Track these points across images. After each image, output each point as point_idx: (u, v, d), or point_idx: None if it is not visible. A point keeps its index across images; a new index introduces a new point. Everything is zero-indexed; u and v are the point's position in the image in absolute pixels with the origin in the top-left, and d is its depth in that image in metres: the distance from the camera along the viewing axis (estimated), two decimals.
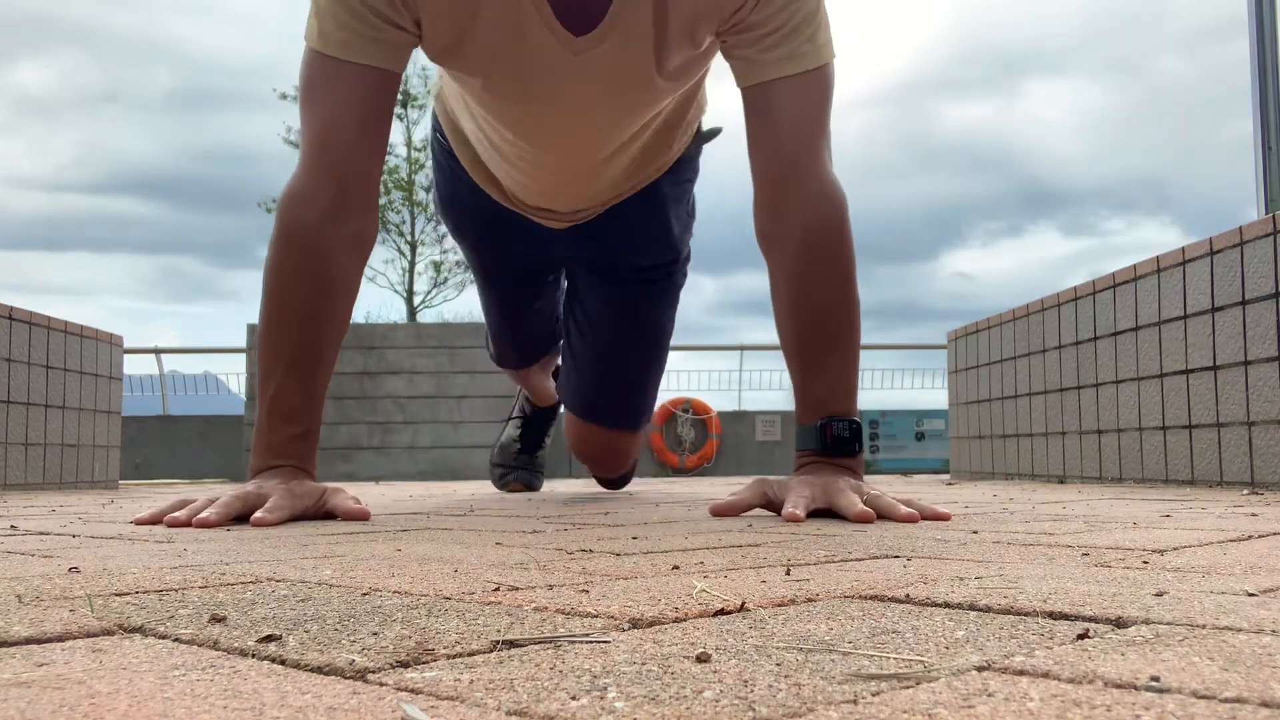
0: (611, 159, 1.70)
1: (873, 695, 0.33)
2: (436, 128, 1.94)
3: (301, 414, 1.32)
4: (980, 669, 0.36)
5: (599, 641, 0.42)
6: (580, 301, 2.10)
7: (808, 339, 1.35)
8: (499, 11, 1.33)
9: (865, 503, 1.17)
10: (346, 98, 1.32)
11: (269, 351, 1.32)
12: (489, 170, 1.84)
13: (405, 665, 0.38)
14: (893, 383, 9.17)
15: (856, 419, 1.33)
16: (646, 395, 2.15)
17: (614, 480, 2.51)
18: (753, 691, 0.33)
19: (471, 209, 1.94)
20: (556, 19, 1.34)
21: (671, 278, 2.04)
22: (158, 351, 8.76)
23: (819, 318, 1.35)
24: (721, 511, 1.27)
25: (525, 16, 1.33)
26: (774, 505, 1.26)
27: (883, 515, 1.16)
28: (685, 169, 1.94)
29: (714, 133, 1.91)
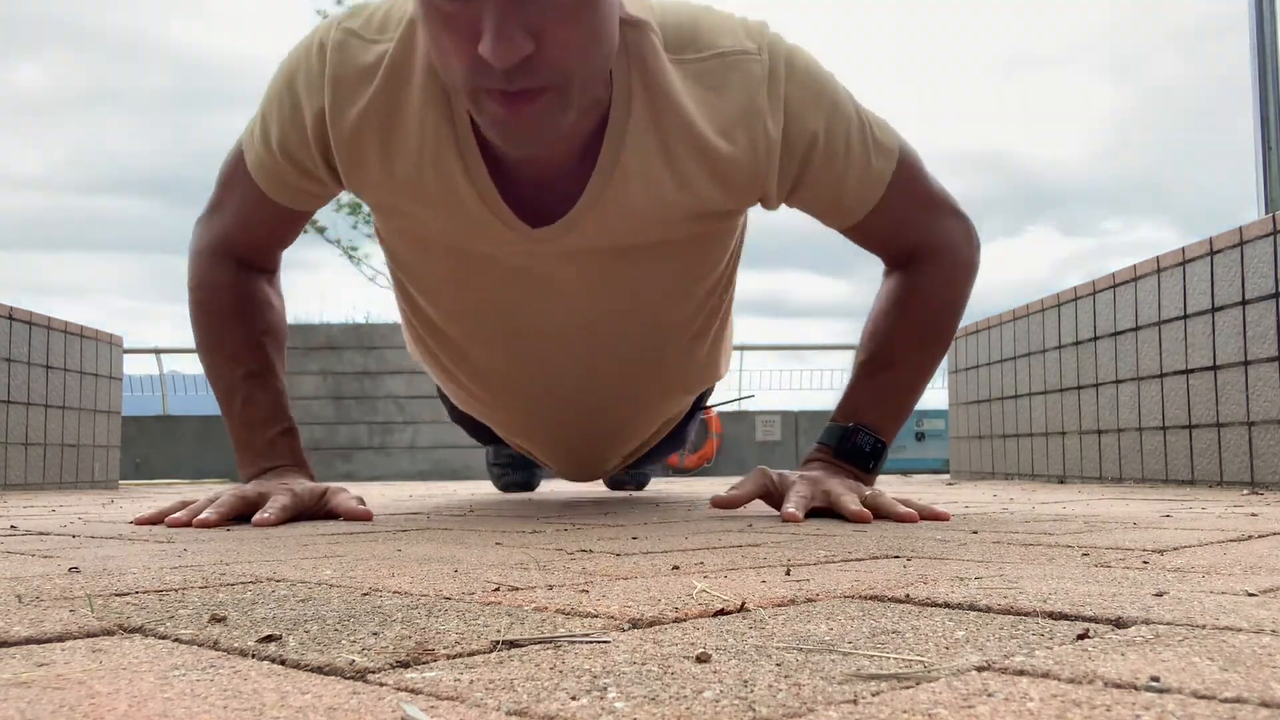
0: (621, 407, 1.51)
1: (873, 695, 0.33)
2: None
3: (277, 414, 1.33)
4: (980, 669, 0.36)
5: (599, 641, 0.42)
6: None
7: (886, 353, 1.31)
8: (435, 193, 1.15)
9: (864, 502, 1.17)
10: (255, 212, 1.29)
11: (222, 376, 1.34)
12: (493, 427, 1.71)
13: (405, 665, 0.38)
14: None
15: (886, 441, 1.30)
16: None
17: (630, 481, 2.53)
18: (753, 691, 0.33)
19: (484, 430, 1.83)
20: (508, 203, 1.15)
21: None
22: (158, 351, 8.75)
23: (910, 339, 1.31)
24: (722, 503, 1.27)
25: (468, 205, 1.16)
26: (773, 498, 1.26)
27: (881, 515, 1.16)
28: (706, 398, 1.80)
29: (745, 398, 1.78)
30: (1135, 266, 2.70)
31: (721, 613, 0.50)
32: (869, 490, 1.22)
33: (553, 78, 0.98)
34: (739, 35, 1.14)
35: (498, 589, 0.60)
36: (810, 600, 0.54)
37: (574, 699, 0.33)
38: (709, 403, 1.82)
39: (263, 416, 1.32)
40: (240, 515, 1.19)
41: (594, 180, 1.13)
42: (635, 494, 2.35)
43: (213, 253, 1.33)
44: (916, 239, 1.30)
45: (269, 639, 0.43)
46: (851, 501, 1.16)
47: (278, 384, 1.35)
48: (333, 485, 1.31)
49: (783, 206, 1.25)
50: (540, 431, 1.60)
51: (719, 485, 3.04)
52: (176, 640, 0.44)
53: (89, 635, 0.45)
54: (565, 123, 1.03)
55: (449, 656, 0.40)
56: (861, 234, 1.29)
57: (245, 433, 1.32)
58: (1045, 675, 0.35)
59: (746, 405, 8.32)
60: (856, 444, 1.29)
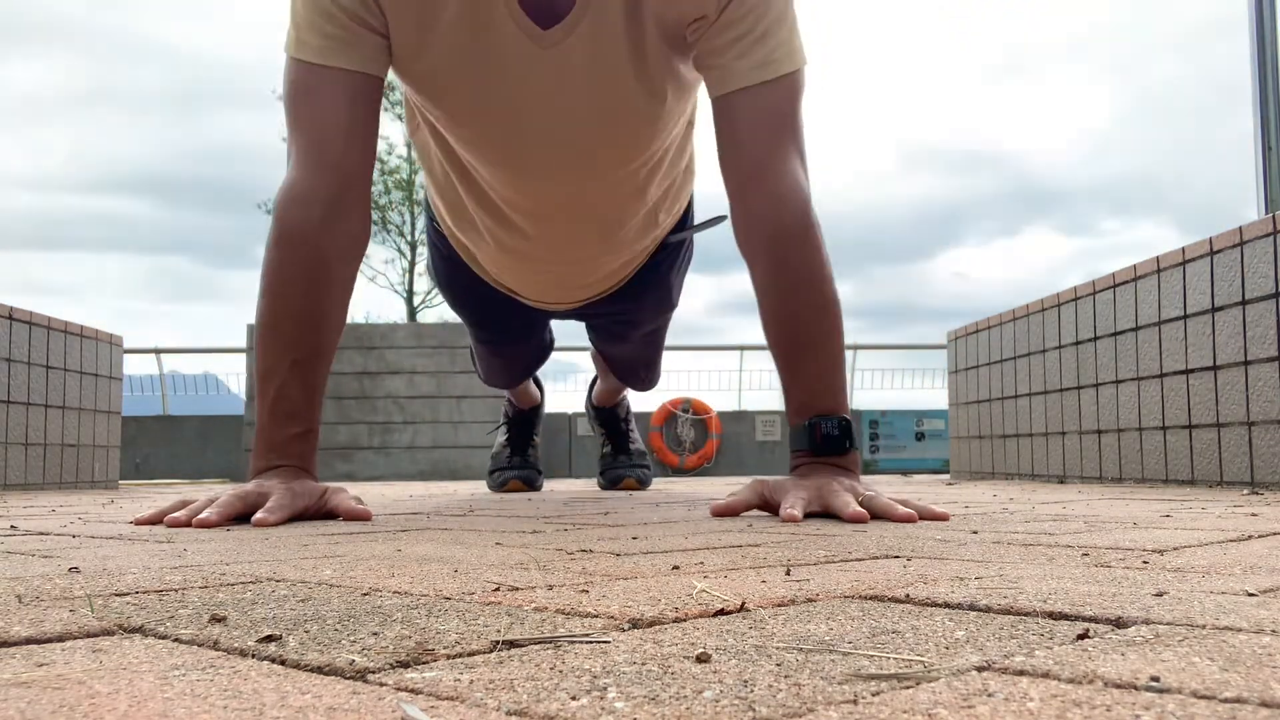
0: (605, 224, 1.67)
1: (873, 695, 0.33)
2: (430, 215, 1.93)
3: (303, 413, 1.32)
4: (980, 669, 0.36)
5: (599, 641, 0.42)
6: (585, 319, 2.15)
7: (787, 342, 1.35)
8: (463, 5, 1.32)
9: (861, 503, 1.17)
10: (333, 104, 1.33)
11: (271, 351, 1.32)
12: (485, 266, 1.87)
13: (405, 665, 0.38)
14: (892, 383, 9.17)
15: (845, 416, 1.33)
16: (661, 342, 2.32)
17: (638, 476, 2.58)
18: (753, 691, 0.33)
19: (472, 291, 1.97)
20: (523, 11, 1.33)
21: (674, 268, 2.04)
22: (158, 351, 8.75)
23: (795, 322, 1.35)
24: (722, 512, 1.27)
25: (490, 10, 1.32)
26: (770, 506, 1.26)
27: (880, 515, 1.16)
28: (682, 250, 1.96)
29: (717, 220, 1.89)
30: (1135, 266, 2.70)
31: (721, 613, 0.50)
32: (865, 490, 1.22)
33: None
34: None
35: (498, 589, 0.60)
36: (810, 600, 0.54)
37: (574, 699, 0.33)
38: (679, 235, 1.93)
39: (288, 410, 1.31)
40: (240, 515, 1.19)
41: None
42: (635, 494, 2.36)
43: (296, 195, 1.33)
44: (771, 164, 1.35)
45: (269, 639, 0.43)
46: (849, 503, 1.16)
47: (317, 378, 1.34)
48: (332, 485, 1.31)
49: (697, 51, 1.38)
50: (531, 247, 1.70)
51: (719, 485, 3.04)
52: (176, 640, 0.44)
53: (89, 635, 0.45)
54: None
55: (449, 656, 0.40)
56: (730, 121, 1.36)
57: (268, 421, 1.31)
58: (1045, 675, 0.35)
59: (747, 406, 8.33)
60: (824, 434, 1.31)
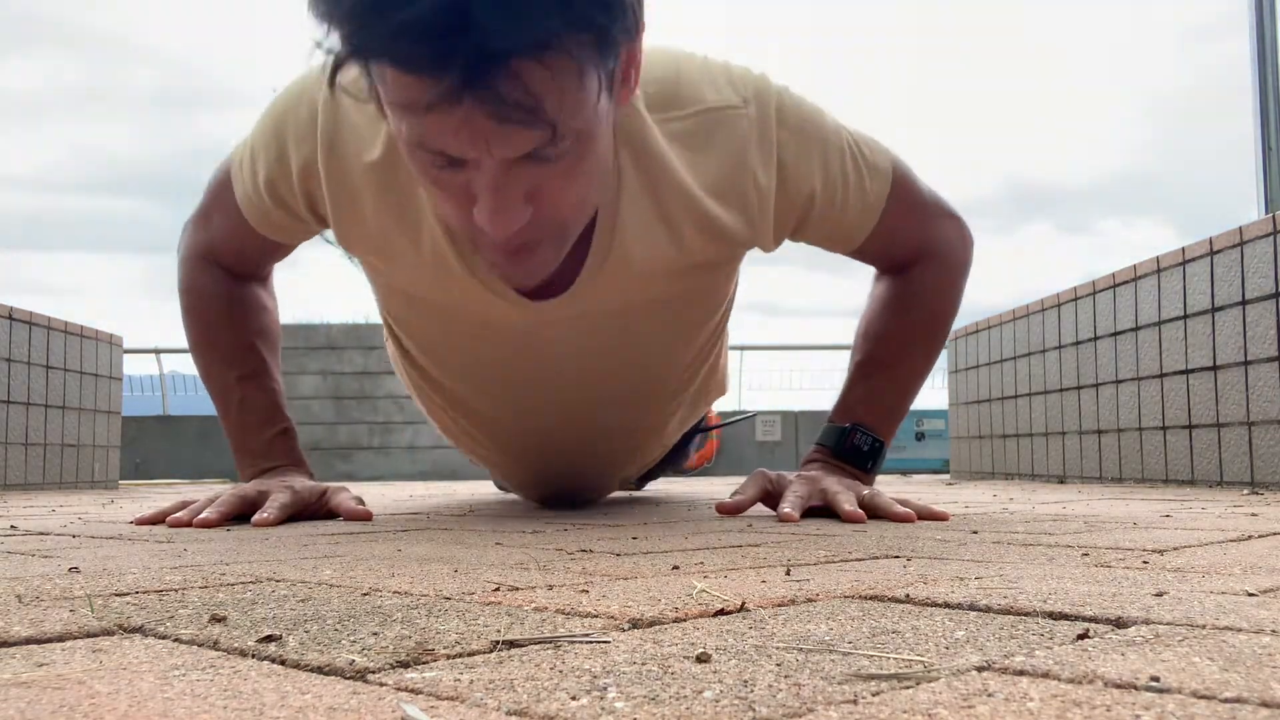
0: (620, 451, 1.53)
1: (873, 695, 0.33)
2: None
3: (274, 415, 1.33)
4: (980, 669, 0.36)
5: (599, 641, 0.42)
6: None
7: (875, 353, 1.31)
8: (429, 258, 1.11)
9: (862, 502, 1.17)
10: (242, 237, 1.25)
11: (217, 378, 1.33)
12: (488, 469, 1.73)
13: (405, 665, 0.38)
14: None
15: (884, 440, 1.30)
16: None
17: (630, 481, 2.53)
18: (753, 691, 0.33)
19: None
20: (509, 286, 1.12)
21: None
22: (158, 351, 8.75)
23: (896, 341, 1.31)
24: (728, 510, 1.27)
25: (464, 277, 1.12)
26: (772, 498, 1.26)
27: (879, 515, 1.16)
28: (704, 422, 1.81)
29: (746, 418, 1.77)
30: (1135, 266, 2.70)
31: (721, 613, 0.50)
32: (867, 490, 1.22)
33: (551, 230, 0.97)
34: (722, 87, 1.10)
35: (498, 589, 0.60)
36: (810, 600, 0.54)
37: (574, 699, 0.33)
38: (707, 426, 1.83)
39: (259, 419, 1.32)
40: (240, 515, 1.19)
41: (592, 257, 1.10)
42: (635, 494, 2.36)
43: (200, 258, 1.32)
44: (914, 246, 1.30)
45: (269, 639, 0.43)
46: (847, 501, 1.16)
47: (273, 385, 1.34)
48: (332, 485, 1.31)
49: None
50: (533, 472, 1.59)
51: (719, 485, 3.04)
52: (176, 640, 0.44)
53: (89, 635, 0.45)
54: (563, 254, 1.03)
55: (449, 656, 0.40)
56: (864, 255, 1.29)
57: (242, 436, 1.32)
58: (1045, 675, 0.35)
59: (747, 406, 8.32)
60: (854, 444, 1.29)
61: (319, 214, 1.16)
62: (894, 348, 1.32)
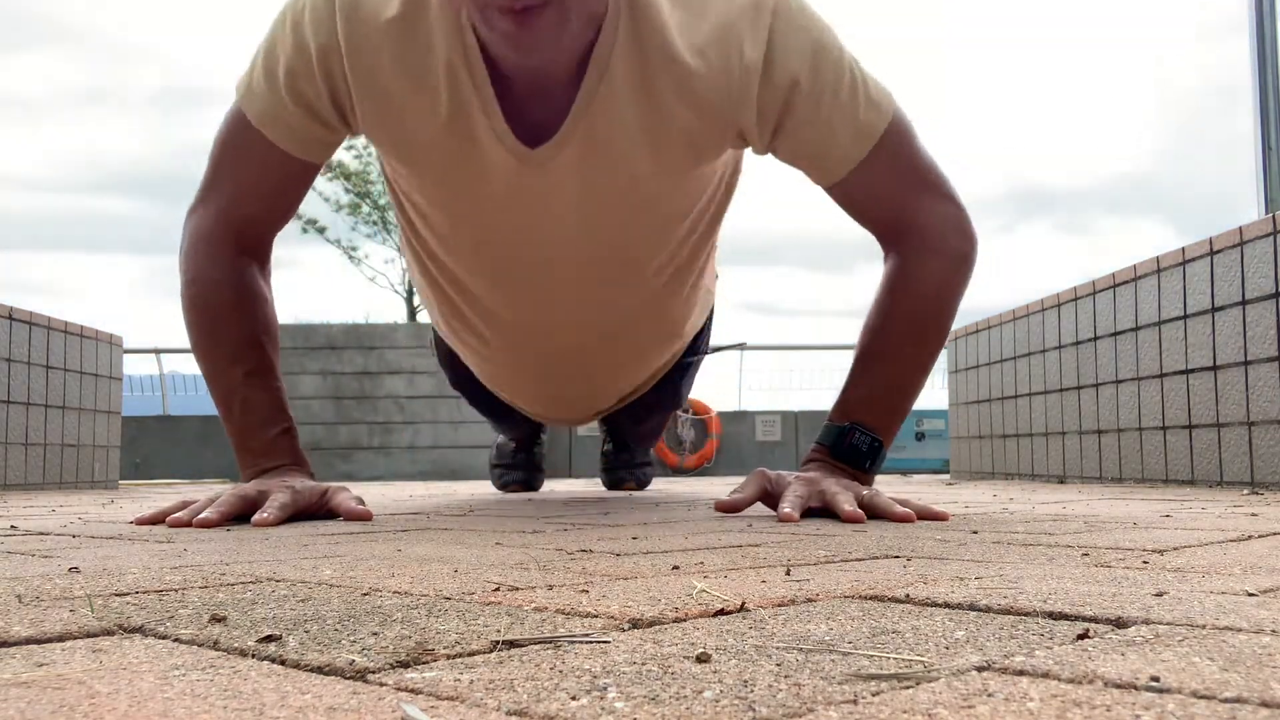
0: (615, 346, 1.57)
1: (873, 695, 0.33)
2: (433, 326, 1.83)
3: (276, 414, 1.33)
4: (980, 669, 0.36)
5: (599, 641, 0.42)
6: None
7: (879, 350, 1.31)
8: (442, 122, 1.21)
9: (861, 503, 1.17)
10: (261, 175, 1.29)
11: (220, 376, 1.33)
12: (488, 385, 1.79)
13: (405, 665, 0.38)
14: None
15: (883, 439, 1.29)
16: (664, 423, 2.29)
17: (638, 478, 2.57)
18: (753, 691, 0.33)
19: (477, 390, 1.91)
20: (508, 125, 1.21)
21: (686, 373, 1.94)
22: (158, 351, 8.75)
23: (901, 338, 1.31)
24: (726, 508, 1.27)
25: (472, 127, 1.21)
26: (772, 498, 1.26)
27: (878, 515, 1.16)
28: (698, 345, 1.86)
29: (735, 347, 1.83)
30: (1135, 266, 2.70)
31: (721, 613, 0.50)
32: (866, 490, 1.21)
33: None
34: None
35: (498, 589, 0.60)
36: (810, 600, 0.54)
37: (574, 699, 0.33)
38: (694, 357, 1.87)
39: (261, 418, 1.32)
40: (240, 515, 1.19)
41: (581, 96, 1.19)
42: (635, 494, 2.36)
43: (208, 241, 1.32)
44: (904, 215, 1.28)
45: (269, 639, 0.43)
46: (847, 501, 1.16)
47: (276, 383, 1.34)
48: (333, 485, 1.31)
49: (772, 158, 1.28)
50: (535, 371, 1.63)
51: (719, 485, 3.04)
52: (176, 640, 0.44)
53: (89, 635, 0.45)
54: (567, 35, 1.11)
55: (449, 656, 0.40)
56: (847, 196, 1.28)
57: (244, 435, 1.32)
58: (1045, 675, 0.35)
59: (747, 406, 8.32)
60: (853, 443, 1.28)
61: (340, 106, 1.23)
62: (890, 341, 1.31)
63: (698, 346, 1.84)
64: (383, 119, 1.23)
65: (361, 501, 1.29)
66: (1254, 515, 1.25)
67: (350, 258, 17.47)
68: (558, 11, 1.07)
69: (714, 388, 8.76)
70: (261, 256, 1.38)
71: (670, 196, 1.32)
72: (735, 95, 1.17)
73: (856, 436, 1.28)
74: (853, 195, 1.28)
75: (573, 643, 0.42)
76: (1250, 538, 0.92)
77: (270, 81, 1.22)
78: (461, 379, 1.91)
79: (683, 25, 1.17)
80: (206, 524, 1.14)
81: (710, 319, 1.84)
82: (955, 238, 1.31)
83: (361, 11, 1.17)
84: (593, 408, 1.82)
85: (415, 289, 1.70)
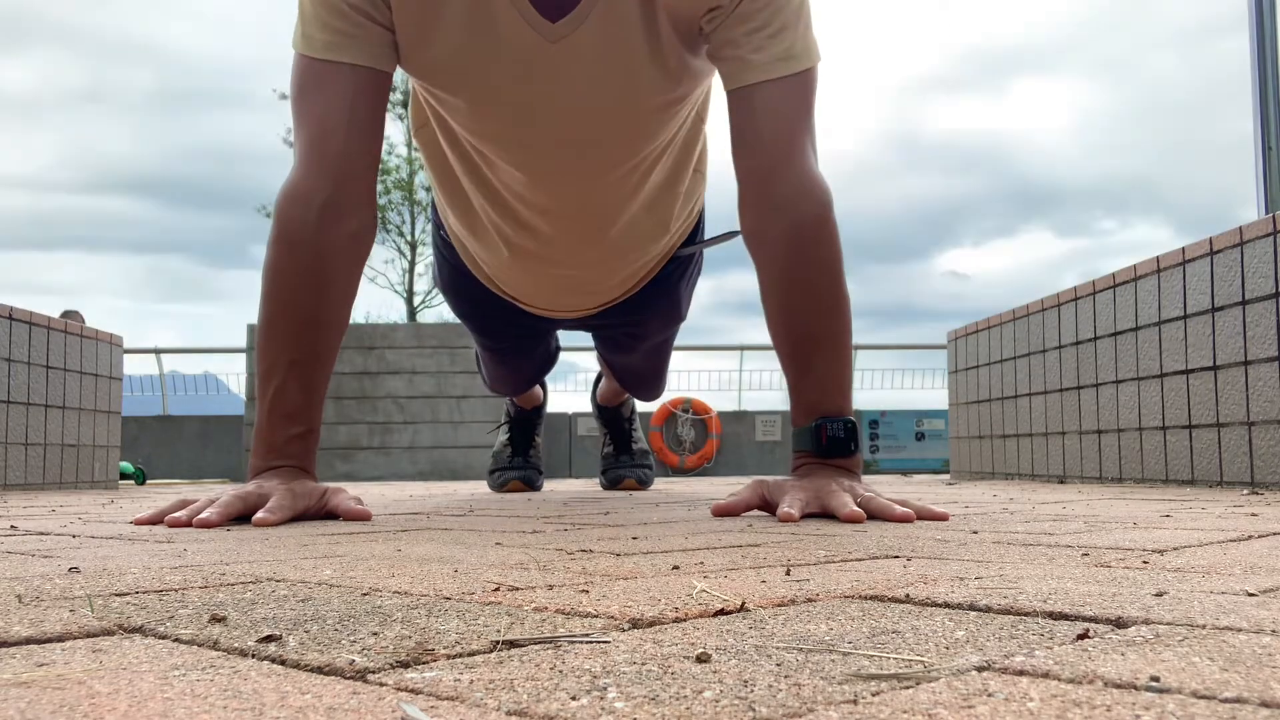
0: (617, 222, 1.65)
1: (873, 695, 0.33)
2: (437, 222, 1.91)
3: (303, 414, 1.32)
4: (980, 669, 0.36)
5: (599, 641, 0.42)
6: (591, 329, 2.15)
7: (797, 339, 1.34)
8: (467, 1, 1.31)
9: (860, 503, 1.17)
10: (337, 99, 1.32)
11: (270, 351, 1.32)
12: (494, 274, 1.85)
13: (405, 665, 0.38)
14: (892, 383, 9.17)
15: (851, 418, 1.32)
16: (668, 354, 2.33)
17: (639, 476, 2.58)
18: (753, 691, 0.33)
19: (479, 300, 1.95)
20: (530, 3, 1.31)
21: (685, 279, 2.02)
22: (158, 351, 8.76)
23: (806, 318, 1.34)
24: (722, 512, 1.27)
25: (494, 3, 1.31)
26: (769, 506, 1.26)
27: (878, 515, 1.16)
28: (692, 263, 1.95)
29: (729, 235, 1.87)
30: (1135, 266, 2.70)
31: (721, 613, 0.50)
32: (864, 491, 1.22)
33: None
34: None
35: (498, 589, 0.60)
36: (810, 600, 0.54)
37: (574, 699, 0.33)
38: (690, 248, 1.92)
39: (287, 410, 1.31)
40: (240, 515, 1.19)
41: None
42: (635, 494, 2.35)
43: (299, 191, 1.32)
44: (788, 155, 1.34)
45: (269, 639, 0.43)
46: (846, 503, 1.16)
47: (318, 378, 1.33)
48: (332, 485, 1.31)
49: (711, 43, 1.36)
50: (542, 248, 1.68)
51: (719, 485, 3.04)
52: (176, 640, 0.44)
53: (89, 635, 0.45)
54: None
55: (449, 656, 0.40)
56: (746, 109, 1.33)
57: (267, 422, 1.31)
58: (1045, 675, 0.35)
59: (747, 406, 8.32)
60: (831, 435, 1.30)
61: None
62: (811, 328, 1.33)
63: (692, 239, 1.90)
64: (413, 10, 1.31)
65: (360, 502, 1.29)
66: (1254, 515, 1.25)
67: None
68: None
69: (714, 388, 8.76)
70: (358, 210, 1.35)
71: (671, 78, 1.40)
72: None
73: (831, 428, 1.30)
74: (752, 111, 1.33)
75: (573, 643, 0.42)
76: (1250, 538, 0.92)
77: (320, 5, 1.29)
78: (463, 295, 1.96)
79: None
80: (206, 524, 1.14)
81: (702, 221, 1.92)
82: (824, 196, 1.35)
83: None
84: (594, 294, 1.87)
85: (435, 199, 1.79)
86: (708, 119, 1.67)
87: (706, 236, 1.93)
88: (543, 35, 1.33)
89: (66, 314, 6.64)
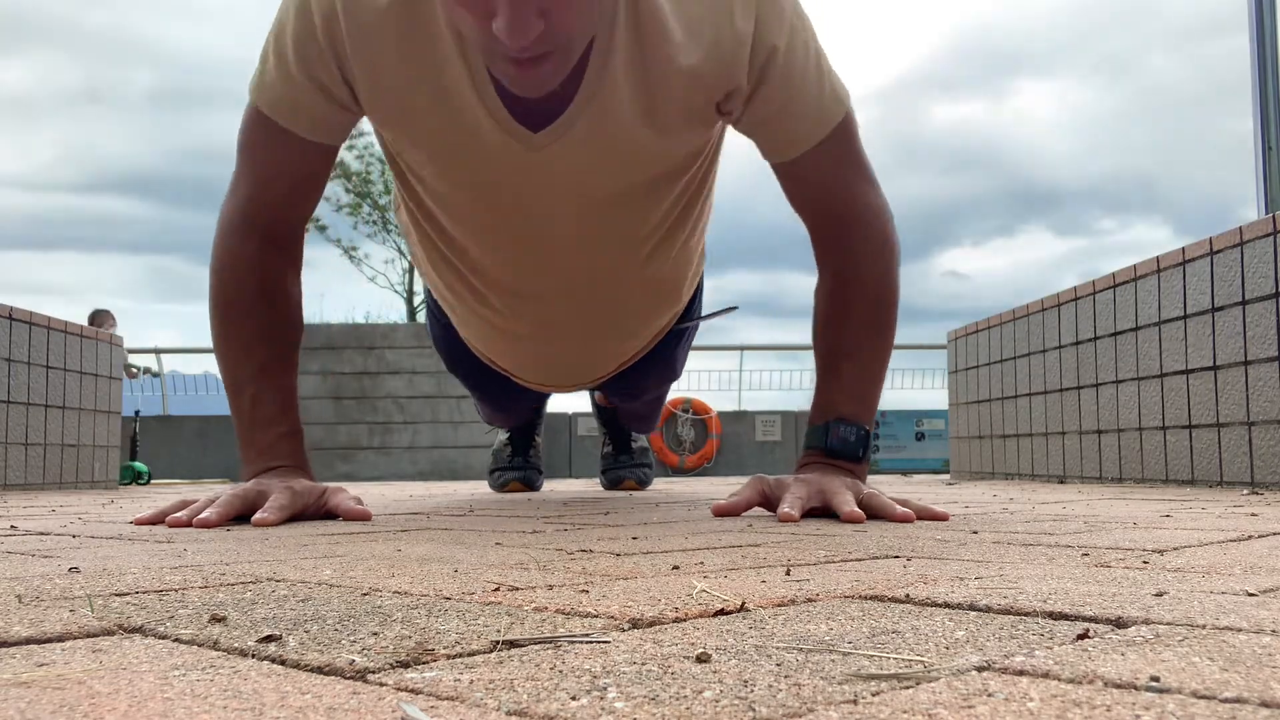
0: (610, 312, 1.60)
1: (873, 695, 0.33)
2: (428, 289, 1.85)
3: (283, 415, 1.33)
4: (980, 669, 0.36)
5: (599, 641, 0.42)
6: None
7: (835, 346, 1.35)
8: (438, 104, 1.23)
9: (861, 502, 1.17)
10: (280, 164, 1.31)
11: (233, 367, 1.34)
12: (485, 354, 1.81)
13: (405, 665, 0.38)
14: (893, 383, 9.18)
15: (867, 427, 1.33)
16: (662, 400, 2.33)
17: (638, 476, 2.58)
18: (753, 691, 0.33)
19: (470, 369, 1.92)
20: (510, 112, 1.23)
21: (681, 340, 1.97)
22: (158, 351, 8.76)
23: (851, 332, 1.35)
24: (724, 512, 1.27)
25: (469, 112, 1.23)
26: (770, 503, 1.26)
27: (878, 515, 1.16)
28: (689, 332, 1.92)
29: (727, 310, 1.85)
30: (1135, 266, 2.70)
31: (721, 613, 0.50)
32: (866, 489, 1.22)
33: (560, 42, 1.07)
34: None
35: (498, 589, 0.60)
36: (810, 600, 0.54)
37: (574, 699, 0.33)
38: (688, 324, 1.89)
39: (268, 415, 1.32)
40: (240, 515, 1.19)
41: (583, 89, 1.21)
42: (635, 494, 2.36)
43: (235, 228, 1.33)
44: (845, 205, 1.33)
45: (269, 639, 0.43)
46: (846, 501, 1.16)
47: (288, 382, 1.34)
48: (331, 485, 1.31)
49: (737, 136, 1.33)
50: (532, 334, 1.64)
51: (719, 485, 3.04)
52: (176, 640, 0.44)
53: (89, 635, 0.45)
54: (569, 68, 1.13)
55: (449, 656, 0.40)
56: (795, 178, 1.32)
57: (250, 430, 1.32)
58: (1045, 675, 0.35)
59: (747, 406, 8.32)
60: (841, 437, 1.31)
61: (349, 80, 1.23)
62: (852, 339, 1.35)
63: (690, 313, 1.87)
64: (383, 97, 1.24)
65: (360, 502, 1.29)
66: (1254, 515, 1.25)
67: (350, 257, 17.50)
68: (562, 57, 1.09)
69: (714, 388, 8.76)
70: (290, 250, 1.37)
71: (665, 162, 1.35)
72: (727, 63, 1.21)
73: (843, 430, 1.31)
74: (802, 177, 1.32)
75: (573, 643, 0.42)
76: (1250, 538, 0.92)
77: (280, 62, 1.24)
78: (457, 358, 1.93)
79: (676, 7, 1.20)
80: (206, 524, 1.14)
81: (700, 290, 1.88)
82: (890, 229, 1.37)
83: None
84: (590, 373, 1.84)
85: (411, 255, 1.71)
86: (715, 179, 1.56)
87: (705, 312, 1.91)
88: (525, 145, 1.26)
89: (97, 313, 6.63)
